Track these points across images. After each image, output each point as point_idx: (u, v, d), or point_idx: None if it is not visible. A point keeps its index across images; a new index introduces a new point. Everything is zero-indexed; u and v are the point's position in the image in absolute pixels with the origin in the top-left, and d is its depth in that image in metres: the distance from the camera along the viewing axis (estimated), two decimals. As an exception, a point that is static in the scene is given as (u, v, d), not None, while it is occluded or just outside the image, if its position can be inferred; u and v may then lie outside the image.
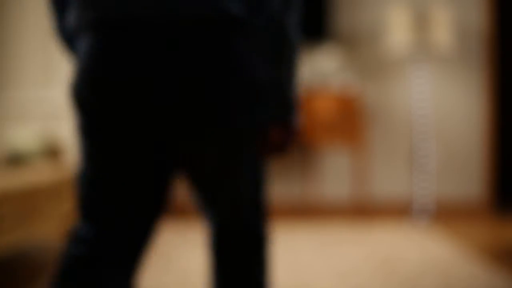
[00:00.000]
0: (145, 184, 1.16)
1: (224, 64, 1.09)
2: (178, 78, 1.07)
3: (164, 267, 3.10)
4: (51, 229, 2.96)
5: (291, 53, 1.22)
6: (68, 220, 3.35)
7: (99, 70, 1.08)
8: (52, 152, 3.97)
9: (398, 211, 5.04)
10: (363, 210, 5.05)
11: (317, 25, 5.03)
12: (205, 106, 1.08)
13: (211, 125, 1.10)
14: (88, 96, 1.10)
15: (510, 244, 3.76)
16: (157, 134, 1.11)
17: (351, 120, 4.75)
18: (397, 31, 4.65)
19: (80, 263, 1.14)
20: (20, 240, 2.50)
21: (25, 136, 3.90)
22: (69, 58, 1.32)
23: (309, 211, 5.13)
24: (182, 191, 4.97)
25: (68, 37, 1.29)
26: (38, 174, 3.00)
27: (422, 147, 4.85)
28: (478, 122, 5.06)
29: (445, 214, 4.98)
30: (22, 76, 4.60)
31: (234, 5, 1.11)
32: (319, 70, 5.13)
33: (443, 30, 4.58)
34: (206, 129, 1.10)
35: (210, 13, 1.08)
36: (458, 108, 5.06)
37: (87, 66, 1.10)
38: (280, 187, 5.20)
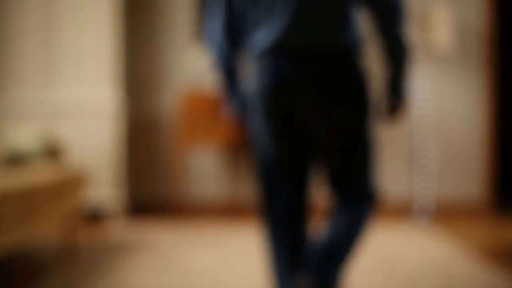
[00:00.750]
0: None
1: (346, 72, 1.82)
2: (319, 83, 1.78)
3: (164, 267, 3.10)
4: (51, 229, 2.96)
5: (404, 57, 1.86)
6: (68, 220, 3.35)
7: (277, 79, 1.80)
8: (52, 152, 3.97)
9: (398, 211, 5.04)
10: (363, 210, 5.04)
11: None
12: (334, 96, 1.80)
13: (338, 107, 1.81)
14: (270, 96, 1.82)
15: (510, 244, 3.76)
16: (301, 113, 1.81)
17: (351, 120, 4.74)
18: (397, 31, 4.63)
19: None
20: (20, 240, 2.50)
21: (25, 136, 3.90)
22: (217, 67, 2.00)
23: (309, 211, 5.13)
24: (182, 191, 4.97)
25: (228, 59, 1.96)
26: (38, 174, 3.00)
27: (422, 147, 4.85)
28: (478, 122, 5.06)
29: (445, 214, 4.98)
30: (22, 76, 4.60)
31: (347, 39, 1.83)
32: (319, 70, 5.12)
33: (443, 30, 4.58)
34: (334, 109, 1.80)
35: (336, 48, 1.80)
36: (458, 108, 5.06)
37: (268, 76, 1.81)
38: (280, 187, 5.19)
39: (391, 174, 5.11)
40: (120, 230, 4.31)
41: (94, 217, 4.66)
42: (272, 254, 1.94)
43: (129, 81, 5.03)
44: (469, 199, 5.06)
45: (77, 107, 4.58)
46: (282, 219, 1.92)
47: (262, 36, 1.82)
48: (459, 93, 5.06)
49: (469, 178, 5.07)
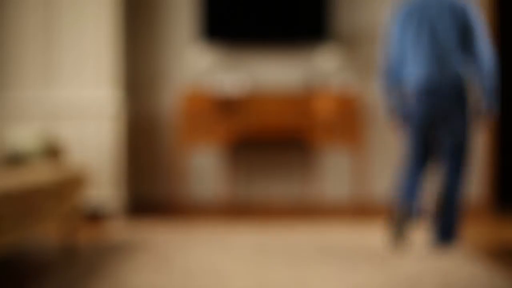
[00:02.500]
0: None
1: (461, 95, 3.30)
2: (450, 101, 3.31)
3: (164, 267, 3.10)
4: (51, 229, 2.97)
5: (492, 89, 3.30)
6: (68, 220, 3.35)
7: (426, 103, 3.33)
8: (52, 152, 3.97)
9: (398, 211, 5.04)
10: (363, 210, 5.05)
11: (317, 25, 5.03)
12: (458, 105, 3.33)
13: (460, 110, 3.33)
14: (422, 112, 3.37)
15: (510, 244, 3.76)
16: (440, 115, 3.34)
17: (351, 120, 4.75)
18: (397, 31, 4.64)
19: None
20: (20, 240, 2.50)
21: (25, 136, 3.90)
22: (386, 92, 3.47)
23: (309, 211, 5.13)
24: (182, 191, 4.98)
25: (394, 82, 3.43)
26: (38, 174, 3.00)
27: (422, 147, 4.85)
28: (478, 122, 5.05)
29: (445, 214, 4.98)
30: (22, 76, 4.61)
31: (464, 75, 3.27)
32: (319, 70, 5.13)
33: (443, 30, 4.57)
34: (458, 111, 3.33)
35: (455, 80, 3.28)
36: (458, 108, 5.06)
37: (421, 102, 3.34)
38: (280, 187, 5.20)
39: (390, 174, 5.12)
40: (120, 230, 4.32)
41: (94, 217, 4.67)
42: (404, 184, 3.41)
43: (129, 81, 5.03)
44: (469, 199, 5.06)
45: (77, 107, 4.58)
46: (416, 165, 3.40)
47: (414, 74, 3.31)
48: (459, 93, 5.06)
49: (469, 178, 5.07)
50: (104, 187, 4.54)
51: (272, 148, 5.22)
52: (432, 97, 3.27)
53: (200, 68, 5.14)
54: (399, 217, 3.35)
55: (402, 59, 3.38)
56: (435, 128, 3.35)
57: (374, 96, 5.13)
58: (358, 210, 5.04)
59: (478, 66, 3.29)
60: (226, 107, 4.74)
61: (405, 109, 3.42)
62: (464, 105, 3.28)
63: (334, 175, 5.16)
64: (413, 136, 3.39)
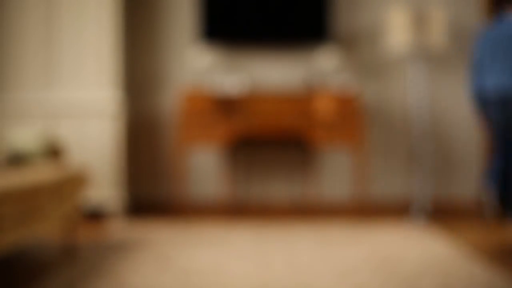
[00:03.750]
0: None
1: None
2: (503, 109, 3.98)
3: (164, 267, 3.10)
4: (52, 229, 2.97)
5: None
6: (68, 220, 3.35)
7: (485, 105, 4.08)
8: (52, 152, 3.98)
9: (397, 211, 5.05)
10: (363, 210, 5.05)
11: (317, 25, 5.03)
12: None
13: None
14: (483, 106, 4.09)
15: (510, 244, 3.77)
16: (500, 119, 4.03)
17: (350, 120, 4.75)
18: (396, 31, 4.65)
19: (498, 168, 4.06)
20: (20, 240, 2.51)
21: (25, 136, 3.91)
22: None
23: (309, 211, 5.14)
24: (182, 191, 4.98)
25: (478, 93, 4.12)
26: (39, 174, 3.00)
27: (420, 147, 4.86)
28: (476, 122, 5.06)
29: (444, 214, 4.98)
30: (22, 76, 4.61)
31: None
32: (319, 70, 5.13)
33: (439, 31, 4.59)
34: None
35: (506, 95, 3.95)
36: (456, 107, 5.06)
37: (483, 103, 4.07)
38: (280, 187, 5.21)
39: (390, 174, 5.12)
40: (120, 230, 4.32)
41: (94, 217, 4.67)
42: (492, 173, 4.05)
43: (129, 81, 5.04)
44: (467, 198, 5.06)
45: (77, 107, 4.58)
46: (499, 159, 4.01)
47: (489, 86, 3.98)
48: (457, 93, 5.07)
49: (468, 177, 5.07)
50: (104, 187, 4.55)
51: (272, 148, 5.23)
52: (503, 104, 4.08)
53: (200, 69, 5.14)
54: (496, 200, 4.15)
55: (481, 73, 4.11)
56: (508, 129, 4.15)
57: (374, 96, 5.13)
58: (358, 210, 5.05)
59: None
60: (226, 107, 4.74)
61: (484, 112, 4.14)
62: None
63: (334, 175, 5.17)
64: (494, 135, 4.13)
